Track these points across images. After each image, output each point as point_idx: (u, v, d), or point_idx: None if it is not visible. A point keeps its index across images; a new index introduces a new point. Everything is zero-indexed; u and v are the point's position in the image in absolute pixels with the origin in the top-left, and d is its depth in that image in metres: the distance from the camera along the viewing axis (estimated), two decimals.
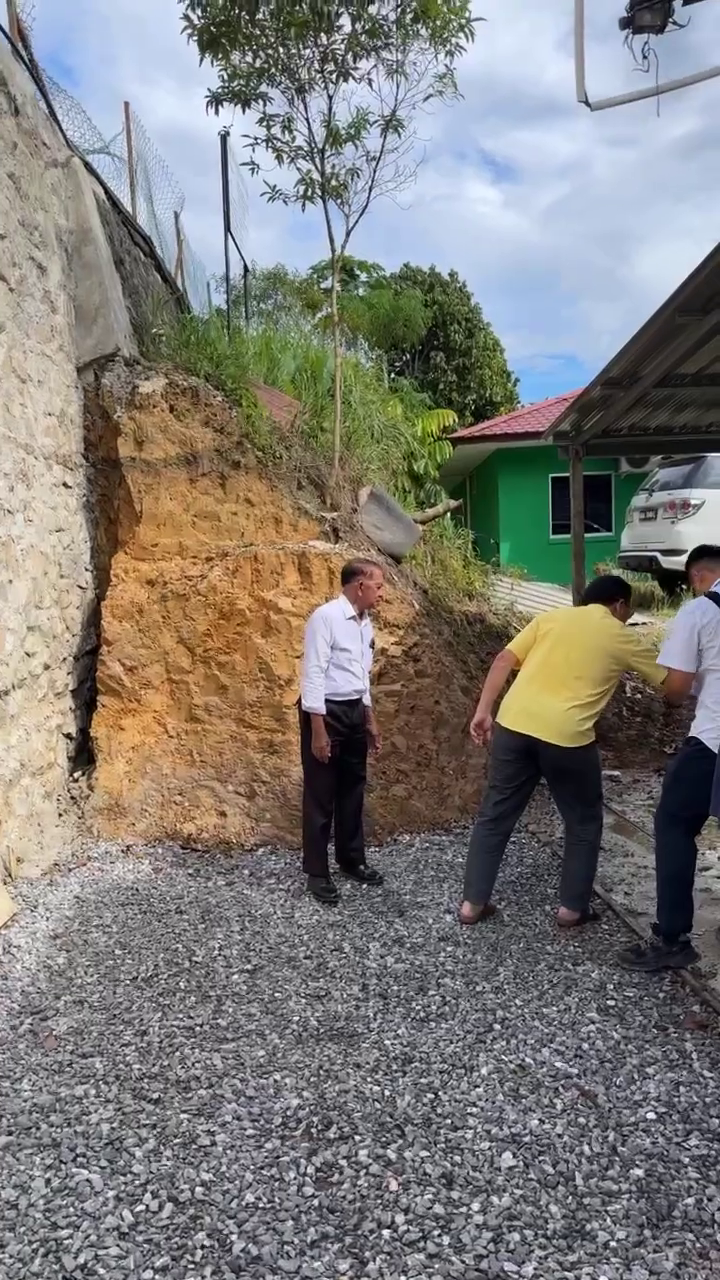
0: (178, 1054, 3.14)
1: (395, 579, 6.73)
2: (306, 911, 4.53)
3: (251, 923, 4.30)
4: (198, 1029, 3.31)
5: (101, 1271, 2.15)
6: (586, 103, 2.88)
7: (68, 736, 6.22)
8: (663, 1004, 3.48)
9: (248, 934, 4.17)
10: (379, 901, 4.66)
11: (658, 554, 11.40)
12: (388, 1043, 3.20)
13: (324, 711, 4.58)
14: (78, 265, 6.77)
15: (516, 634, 8.77)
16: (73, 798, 5.90)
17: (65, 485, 6.38)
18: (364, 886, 4.86)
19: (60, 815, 5.75)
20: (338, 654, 4.69)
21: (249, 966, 3.85)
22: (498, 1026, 3.31)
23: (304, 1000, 3.54)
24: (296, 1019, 3.38)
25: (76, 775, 6.09)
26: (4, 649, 5.11)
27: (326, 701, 4.59)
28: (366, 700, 4.93)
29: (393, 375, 23.52)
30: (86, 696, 6.50)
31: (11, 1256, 2.20)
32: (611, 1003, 3.49)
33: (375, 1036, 3.25)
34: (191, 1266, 2.17)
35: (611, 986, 3.62)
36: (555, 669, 4.17)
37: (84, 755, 6.32)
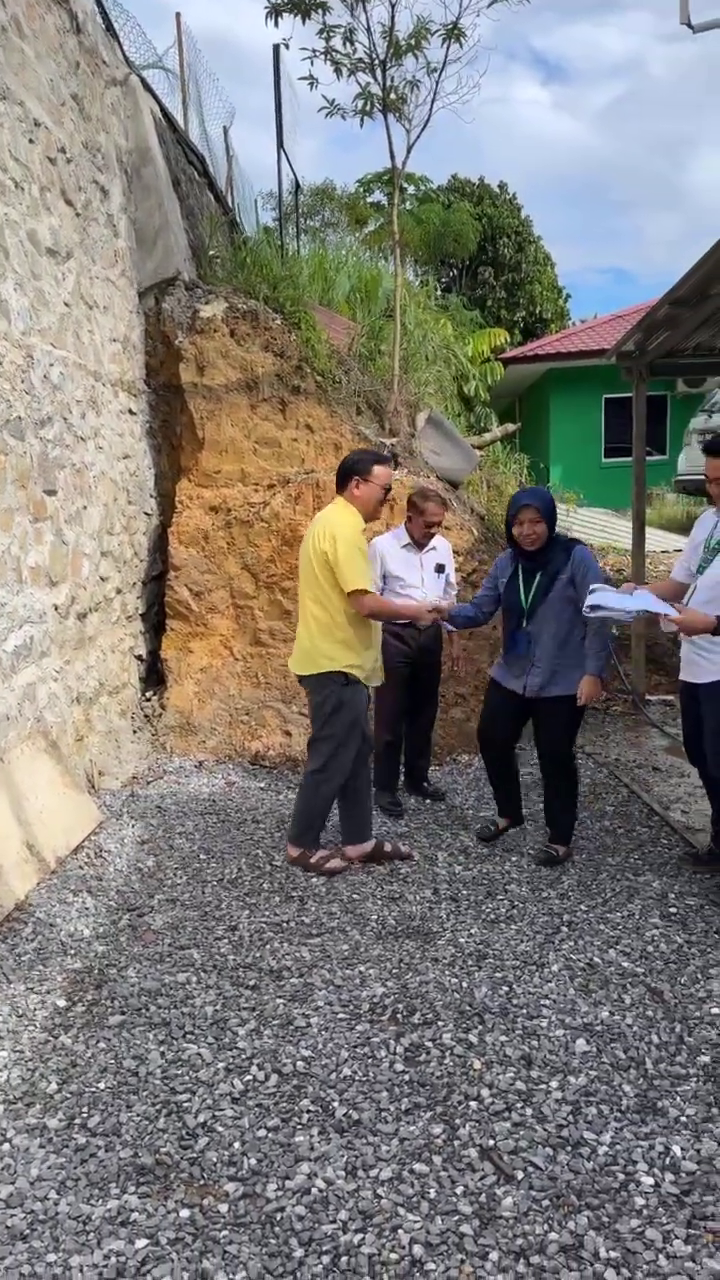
0: (268, 947, 3.39)
1: (453, 505, 6.78)
2: (375, 823, 4.74)
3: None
4: (284, 925, 3.56)
5: (220, 1129, 2.41)
6: (689, 24, 2.82)
7: (138, 658, 6.46)
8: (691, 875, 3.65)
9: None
10: (443, 815, 4.87)
11: None
12: (462, 940, 3.42)
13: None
14: (137, 187, 6.75)
15: None
16: (146, 716, 6.16)
17: (130, 412, 6.48)
18: (427, 802, 5.07)
19: (135, 732, 6.01)
20: (393, 581, 4.78)
21: None
22: (565, 929, 3.51)
23: (380, 901, 3.77)
24: (375, 918, 3.61)
25: (148, 695, 6.34)
26: (81, 573, 5.30)
27: (388, 624, 4.62)
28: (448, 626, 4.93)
29: (440, 292, 22.99)
30: (154, 620, 6.71)
31: (139, 1115, 2.47)
32: (674, 910, 3.67)
33: (449, 935, 3.47)
34: (300, 1127, 2.41)
35: (673, 895, 3.80)
36: (300, 594, 4.15)
37: (153, 676, 6.56)
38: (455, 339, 14.10)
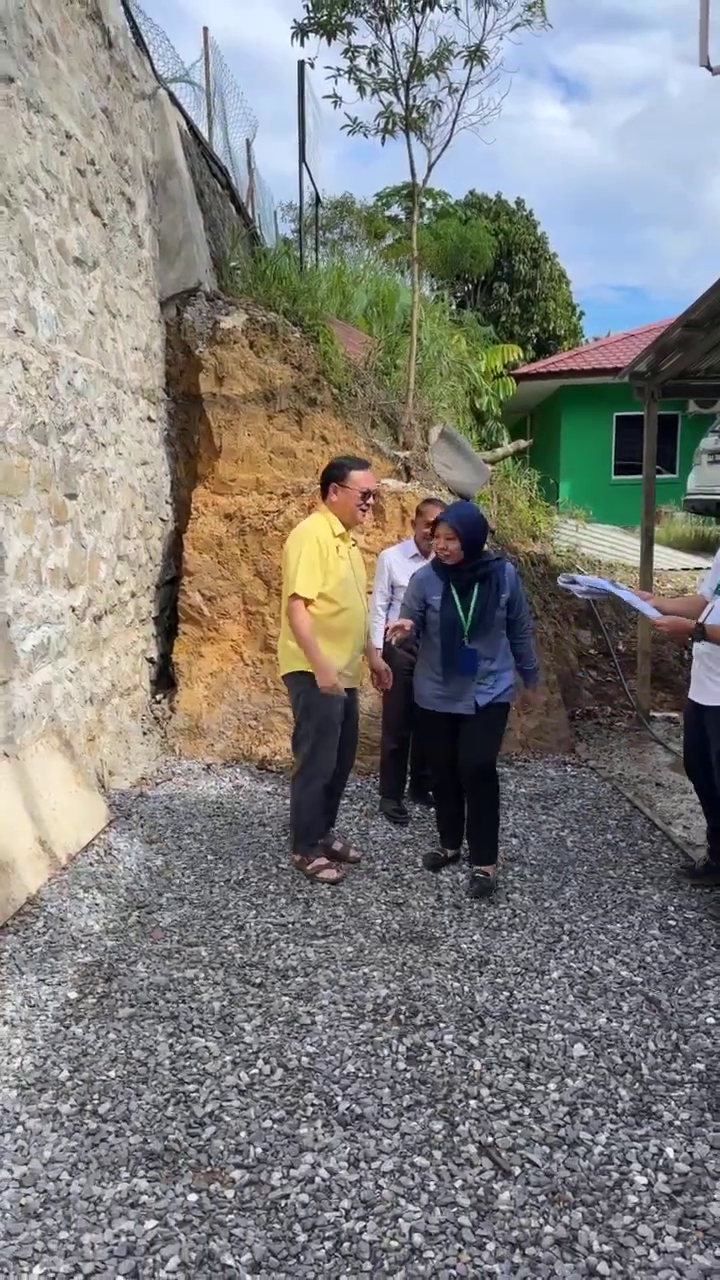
0: (274, 946, 3.46)
1: None
2: (380, 830, 4.82)
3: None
4: (290, 926, 3.64)
5: (227, 1119, 2.48)
6: (709, 67, 2.92)
7: (150, 661, 6.55)
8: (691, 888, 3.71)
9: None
10: None
11: None
12: (464, 946, 3.49)
13: (378, 645, 4.77)
14: (162, 199, 6.88)
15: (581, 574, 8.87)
16: (156, 718, 6.25)
17: (149, 419, 6.59)
18: (432, 810, 5.13)
19: (145, 734, 6.10)
20: (399, 592, 4.87)
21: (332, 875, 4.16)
22: (565, 938, 3.57)
23: (384, 906, 3.84)
24: (379, 922, 3.69)
25: (159, 697, 6.42)
26: (99, 576, 5.40)
27: None
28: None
29: (455, 307, 23.15)
30: (166, 624, 6.81)
31: (148, 1103, 2.54)
32: (673, 923, 3.73)
33: (452, 940, 3.54)
34: (304, 1119, 2.48)
35: (672, 909, 3.86)
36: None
37: (164, 679, 6.65)
38: (469, 354, 14.23)
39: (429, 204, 24.33)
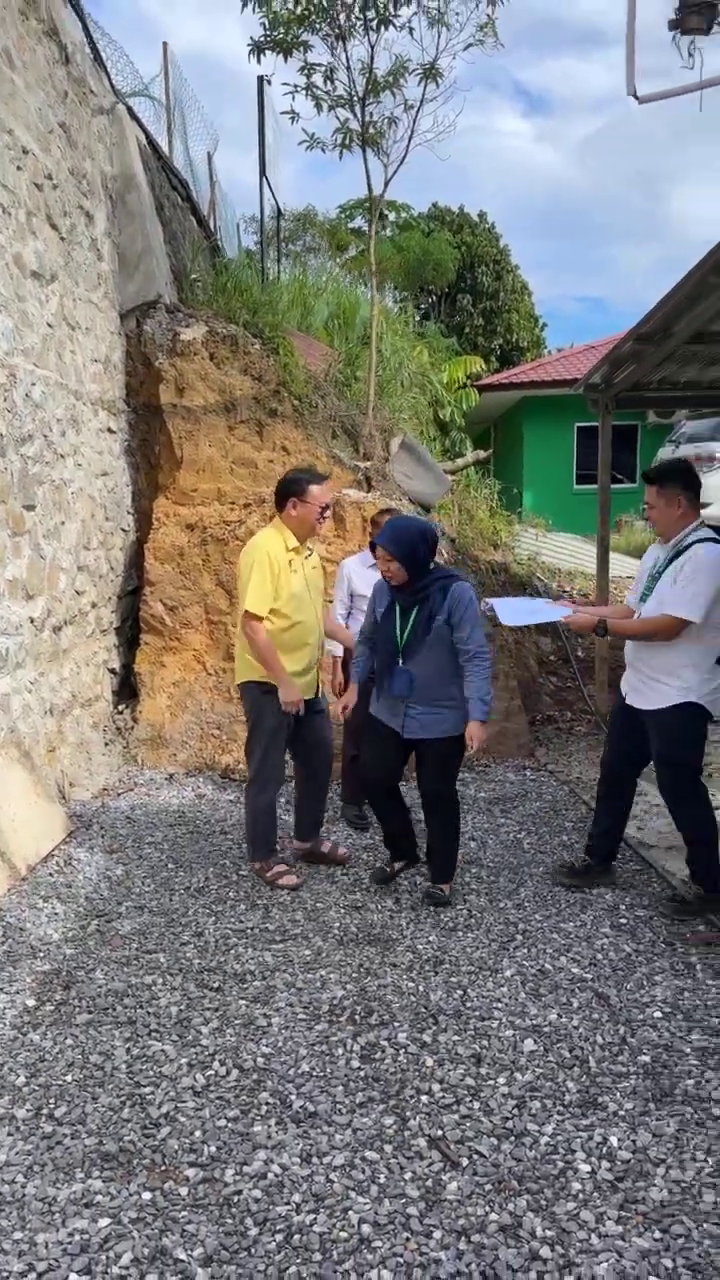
0: (232, 952, 3.50)
1: None
2: (340, 836, 4.87)
3: (291, 843, 4.64)
4: (249, 931, 3.68)
5: (182, 1119, 2.52)
6: (635, 96, 3.04)
7: (112, 671, 6.56)
8: (671, 924, 3.80)
9: (287, 853, 4.52)
10: None
11: None
12: (420, 947, 3.55)
13: (338, 654, 4.86)
14: (121, 212, 6.92)
15: (540, 584, 9.01)
16: (118, 729, 6.26)
17: (109, 430, 6.62)
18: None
19: (107, 744, 6.11)
20: (359, 600, 4.93)
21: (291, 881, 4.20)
22: (519, 937, 3.65)
23: (343, 910, 3.89)
24: (337, 925, 3.74)
25: (121, 708, 6.43)
26: (58, 587, 5.41)
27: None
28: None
29: (419, 319, 23.33)
30: (128, 634, 6.82)
31: (104, 1106, 2.57)
32: (624, 921, 3.82)
33: (409, 942, 3.60)
34: (258, 1118, 2.53)
35: (624, 907, 3.95)
36: None
37: (126, 689, 6.66)
38: (432, 366, 14.37)
39: (392, 216, 24.57)
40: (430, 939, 3.63)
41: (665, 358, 6.62)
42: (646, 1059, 2.84)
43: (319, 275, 11.68)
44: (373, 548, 3.93)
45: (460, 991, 3.22)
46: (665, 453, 12.12)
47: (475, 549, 8.20)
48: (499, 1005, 3.13)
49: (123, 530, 6.87)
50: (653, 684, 3.78)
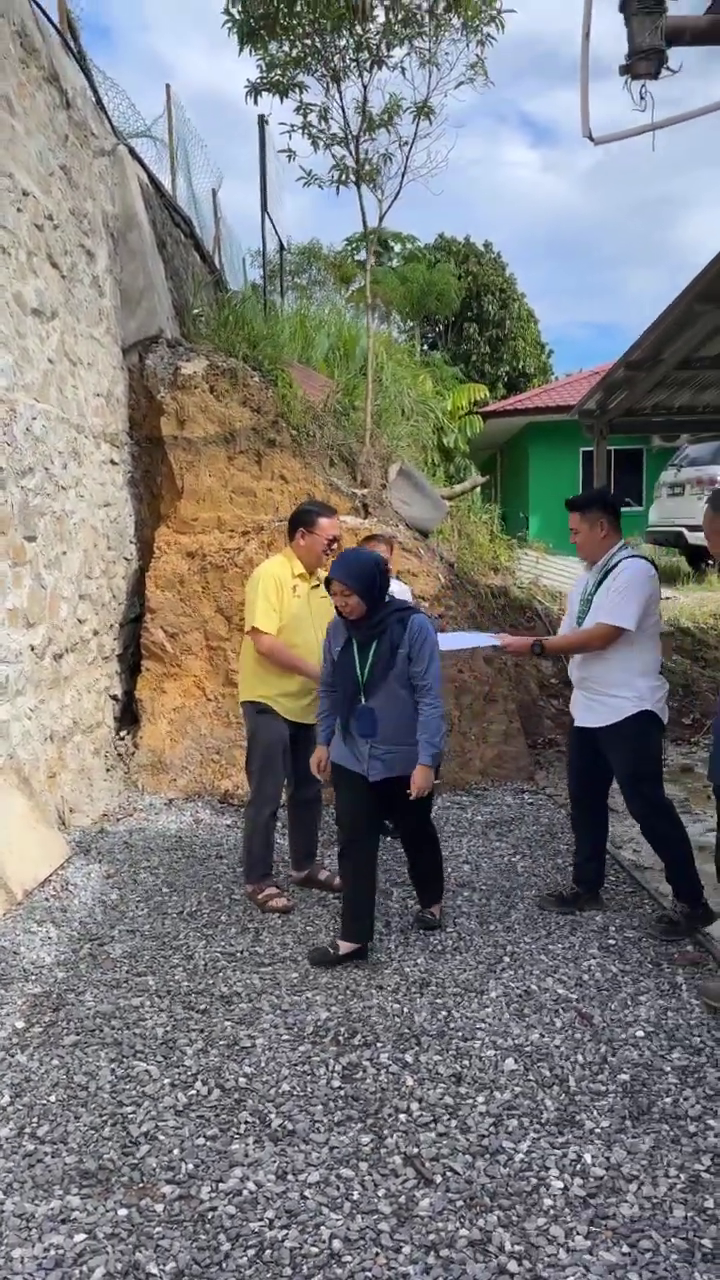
0: (221, 974, 3.54)
1: (421, 552, 7.05)
2: (334, 859, 4.90)
3: (285, 867, 4.69)
4: (238, 955, 3.72)
5: (161, 1138, 2.56)
6: (590, 138, 3.15)
7: (114, 698, 6.64)
8: (659, 944, 3.81)
9: (280, 877, 4.56)
10: (402, 853, 5.02)
11: (684, 529, 11.60)
12: (407, 969, 3.58)
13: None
14: (123, 250, 7.10)
15: (540, 607, 9.04)
16: (119, 755, 6.33)
17: (112, 462, 6.75)
18: (387, 839, 5.23)
19: (108, 770, 6.18)
20: None
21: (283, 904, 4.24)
22: (507, 959, 3.67)
23: (333, 934, 3.92)
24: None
25: (122, 734, 6.51)
26: (59, 615, 5.51)
27: None
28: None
29: (425, 347, 23.59)
30: (130, 661, 6.91)
31: (86, 1125, 2.62)
32: (612, 942, 3.84)
33: (396, 964, 3.63)
34: (236, 1136, 2.57)
35: (613, 929, 3.97)
36: None
37: (128, 716, 6.74)
38: (436, 394, 14.55)
39: (398, 248, 24.95)
40: (418, 961, 3.66)
41: (656, 384, 6.72)
42: (626, 1077, 2.86)
43: (322, 307, 11.91)
44: (328, 584, 3.70)
45: (445, 1013, 3.25)
46: (667, 476, 12.21)
47: (475, 573, 8.28)
48: (482, 1026, 3.16)
49: (125, 559, 6.98)
50: (605, 699, 3.87)
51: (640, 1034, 3.11)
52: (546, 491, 17.73)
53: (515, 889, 4.47)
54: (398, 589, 5.22)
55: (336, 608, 3.66)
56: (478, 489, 11.09)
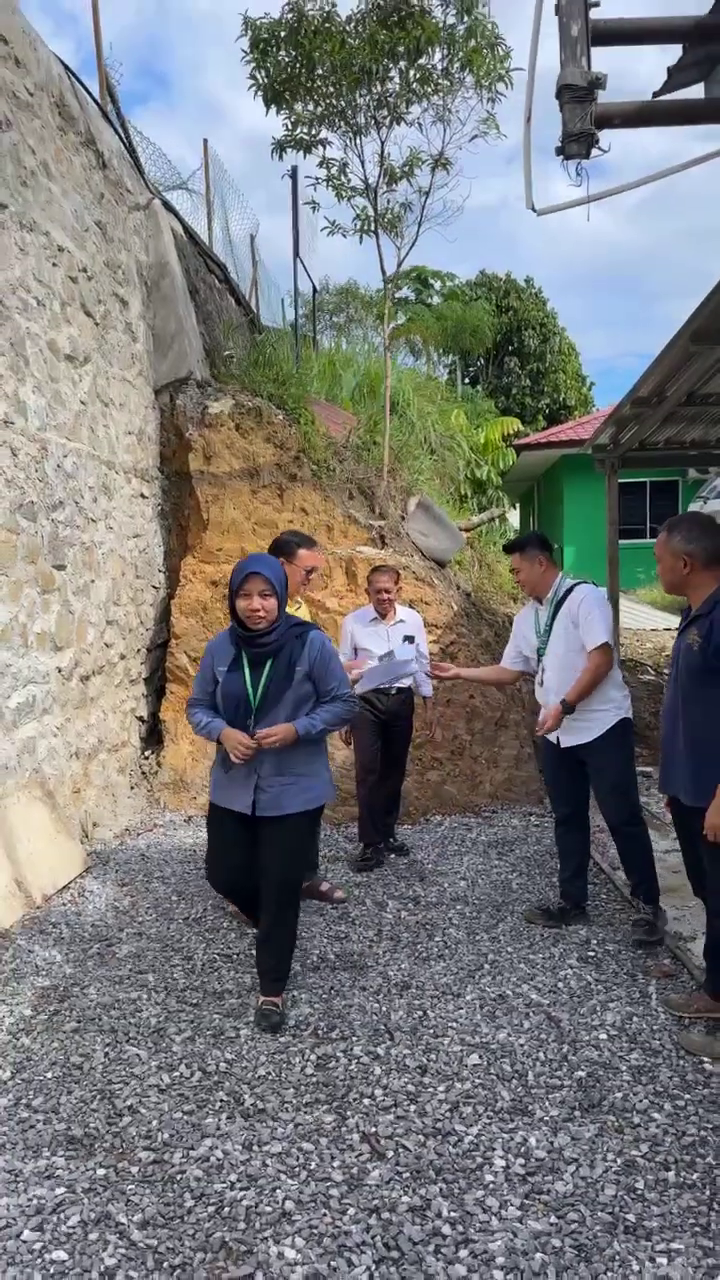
0: (216, 974, 3.79)
1: (435, 582, 7.30)
2: (338, 873, 5.14)
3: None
4: (235, 956, 3.96)
5: (143, 1111, 2.81)
6: (534, 209, 3.42)
7: (140, 719, 6.97)
8: (637, 956, 3.97)
9: None
10: (403, 869, 5.24)
11: None
12: (391, 973, 3.79)
13: None
14: (156, 297, 7.54)
15: None
16: (143, 773, 6.64)
17: (142, 496, 7.14)
18: (391, 856, 5.45)
19: (132, 788, 6.49)
20: (362, 654, 5.24)
21: None
22: (487, 966, 3.86)
23: (326, 940, 4.16)
24: (317, 953, 4.00)
25: (147, 754, 6.83)
26: (86, 639, 5.86)
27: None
28: (426, 690, 5.42)
29: (466, 382, 23.96)
30: (158, 685, 7.25)
31: (77, 1099, 2.87)
32: (592, 954, 4.01)
33: (381, 969, 3.85)
34: (211, 1112, 2.80)
35: (595, 942, 4.13)
36: None
37: (153, 736, 7.06)
38: (470, 427, 14.86)
39: (437, 285, 25.47)
40: (402, 966, 3.87)
41: (664, 419, 6.92)
42: (583, 1074, 3.03)
43: (357, 345, 12.33)
44: (245, 581, 3.30)
45: (420, 1013, 3.45)
46: (694, 508, 12.31)
47: (494, 602, 8.50)
48: (454, 1025, 3.36)
49: (154, 587, 7.34)
50: (589, 716, 4.09)
51: (604, 1036, 3.28)
52: (581, 523, 17.87)
53: (506, 903, 4.65)
54: (409, 616, 5.47)
55: (244, 614, 3.25)
56: (495, 521, 11.33)
